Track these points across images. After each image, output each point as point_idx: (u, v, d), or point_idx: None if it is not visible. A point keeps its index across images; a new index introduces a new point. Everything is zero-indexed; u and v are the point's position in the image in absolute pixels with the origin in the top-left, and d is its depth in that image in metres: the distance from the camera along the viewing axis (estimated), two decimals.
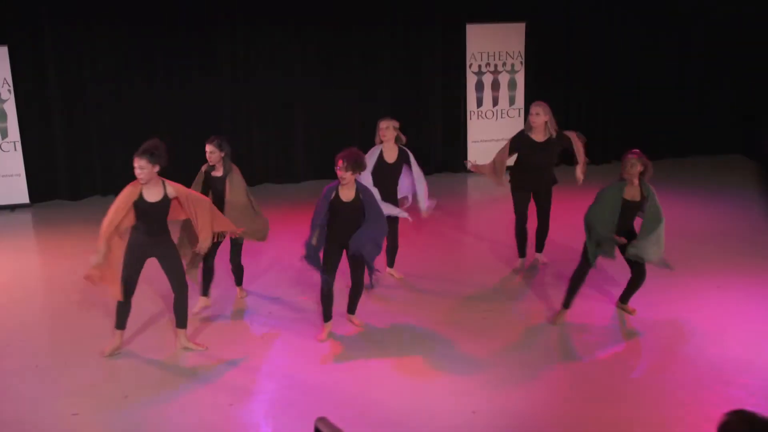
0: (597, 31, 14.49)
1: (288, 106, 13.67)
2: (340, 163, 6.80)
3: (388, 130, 8.20)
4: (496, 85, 14.27)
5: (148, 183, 6.57)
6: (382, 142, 8.25)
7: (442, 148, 14.46)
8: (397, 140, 8.27)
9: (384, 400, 6.13)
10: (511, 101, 14.29)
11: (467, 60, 14.10)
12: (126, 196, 6.61)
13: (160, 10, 12.90)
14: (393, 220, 8.21)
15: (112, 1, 12.68)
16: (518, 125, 14.22)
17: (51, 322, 8.08)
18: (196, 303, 7.89)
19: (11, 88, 12.41)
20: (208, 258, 7.69)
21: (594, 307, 7.79)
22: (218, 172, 7.68)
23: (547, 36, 14.25)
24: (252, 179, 13.48)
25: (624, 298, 7.63)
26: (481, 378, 6.43)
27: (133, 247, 6.76)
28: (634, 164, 7.01)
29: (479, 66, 14.16)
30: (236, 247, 7.93)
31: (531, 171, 8.57)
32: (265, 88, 13.53)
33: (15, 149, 12.55)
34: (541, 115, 8.50)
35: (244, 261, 8.16)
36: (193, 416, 5.96)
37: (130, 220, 6.71)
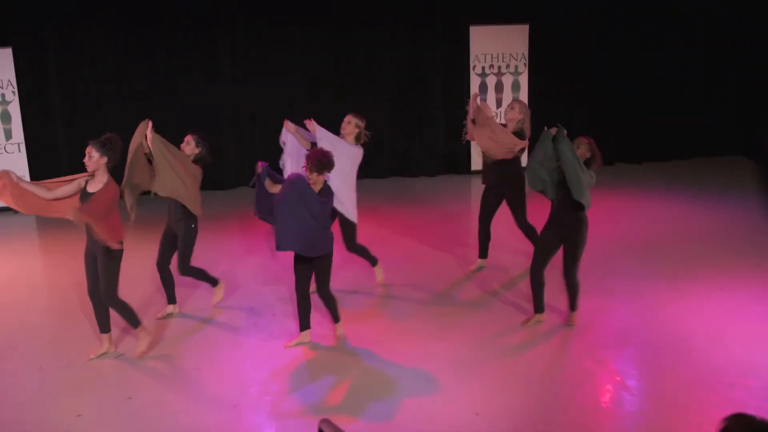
0: (600, 33, 14.51)
1: (289, 106, 13.65)
2: (305, 164, 6.75)
3: (349, 124, 8.09)
4: (499, 87, 14.28)
5: (97, 175, 6.56)
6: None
7: (444, 150, 14.45)
8: (357, 138, 8.11)
9: (386, 402, 6.13)
10: None
11: (471, 62, 14.11)
12: (76, 180, 6.75)
13: (161, 10, 12.95)
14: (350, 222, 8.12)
15: (114, 2, 12.73)
16: None
17: (54, 323, 8.09)
18: (164, 309, 8.00)
19: (15, 90, 12.46)
20: (163, 266, 7.76)
21: (596, 308, 7.77)
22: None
23: (551, 37, 14.26)
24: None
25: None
26: (483, 379, 6.43)
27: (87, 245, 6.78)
28: (579, 146, 7.00)
29: (483, 68, 14.16)
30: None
31: (492, 164, 8.48)
32: (265, 88, 13.56)
33: (19, 150, 12.59)
34: (515, 110, 8.39)
35: (254, 262, 8.17)
36: (196, 418, 5.95)
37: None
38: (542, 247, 7.28)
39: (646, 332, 7.24)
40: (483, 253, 9.01)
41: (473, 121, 8.47)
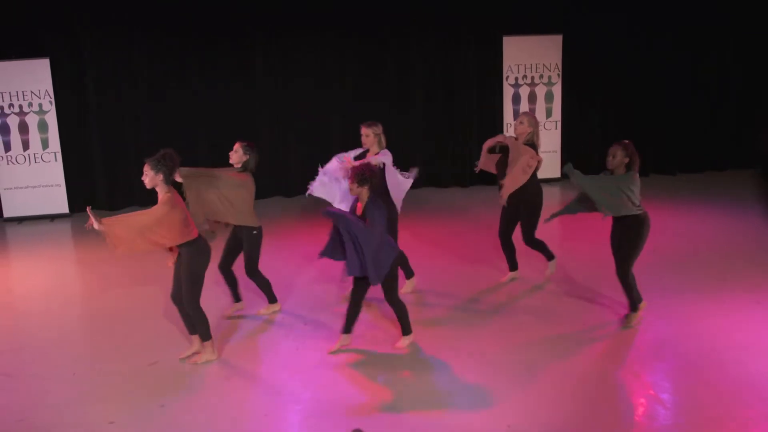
0: (634, 43, 14.41)
1: (324, 118, 13.74)
2: (349, 180, 6.87)
3: (367, 137, 8.20)
4: (533, 98, 14.22)
5: (159, 191, 6.56)
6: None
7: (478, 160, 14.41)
8: (380, 144, 8.20)
9: (418, 412, 6.10)
10: (548, 113, 14.23)
11: (504, 72, 14.07)
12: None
13: (198, 21, 13.06)
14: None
15: (151, 13, 12.88)
16: (556, 138, 14.23)
17: (89, 330, 8.16)
18: (230, 306, 8.22)
19: (52, 100, 12.62)
20: (226, 268, 7.96)
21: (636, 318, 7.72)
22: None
23: (584, 48, 14.19)
24: (290, 190, 13.58)
25: None
26: (516, 391, 6.38)
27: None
28: (615, 155, 7.22)
29: (516, 78, 14.12)
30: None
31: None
32: (300, 100, 13.62)
33: (55, 160, 12.75)
34: (525, 124, 8.42)
35: (271, 272, 8.22)
36: (227, 426, 5.97)
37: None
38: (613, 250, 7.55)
39: (680, 345, 7.15)
40: (513, 265, 9.02)
41: (489, 151, 8.70)
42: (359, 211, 6.88)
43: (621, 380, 6.55)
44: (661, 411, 6.08)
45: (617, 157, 7.18)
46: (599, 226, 7.68)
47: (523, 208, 8.51)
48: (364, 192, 6.79)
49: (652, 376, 6.63)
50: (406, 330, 7.27)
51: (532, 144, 8.40)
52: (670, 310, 7.95)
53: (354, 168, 6.85)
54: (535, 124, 8.45)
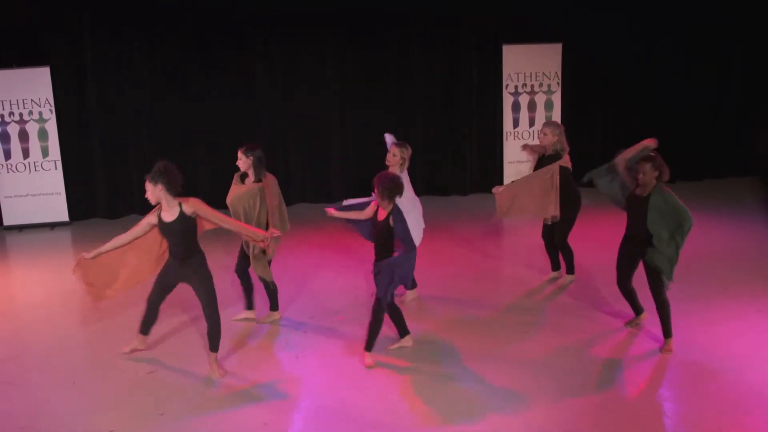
0: (634, 52, 14.43)
1: (324, 124, 13.75)
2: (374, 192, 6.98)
3: (394, 156, 8.16)
4: (532, 106, 14.23)
5: (163, 204, 6.64)
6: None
7: (478, 169, 14.45)
8: (402, 166, 8.20)
9: (420, 419, 6.10)
10: None
11: (503, 80, 14.09)
12: (147, 217, 6.83)
13: (198, 28, 13.07)
14: None
15: (151, 21, 12.89)
16: None
17: (88, 338, 8.15)
18: (239, 313, 8.28)
19: (52, 108, 12.63)
20: (242, 272, 7.99)
21: (632, 330, 7.70)
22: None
23: (584, 56, 14.20)
24: (288, 198, 13.56)
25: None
26: (516, 394, 6.38)
27: (165, 268, 6.95)
28: (645, 171, 7.14)
29: (515, 86, 14.14)
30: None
31: None
32: (300, 106, 13.64)
33: (55, 168, 12.74)
34: (549, 135, 8.50)
35: (288, 278, 8.25)
36: None
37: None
38: None
39: (682, 354, 7.15)
40: (556, 265, 9.20)
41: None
42: (379, 217, 6.98)
43: (623, 388, 6.55)
44: (663, 420, 6.08)
45: (647, 174, 7.04)
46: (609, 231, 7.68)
47: (561, 211, 8.60)
48: (385, 203, 6.90)
49: (653, 385, 6.63)
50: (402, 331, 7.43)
51: (558, 152, 8.53)
52: (672, 318, 7.94)
53: (381, 181, 6.87)
54: (558, 130, 8.55)
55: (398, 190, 6.86)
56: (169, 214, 6.63)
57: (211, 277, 6.85)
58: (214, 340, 6.94)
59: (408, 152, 8.16)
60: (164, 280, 6.98)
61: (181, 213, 6.61)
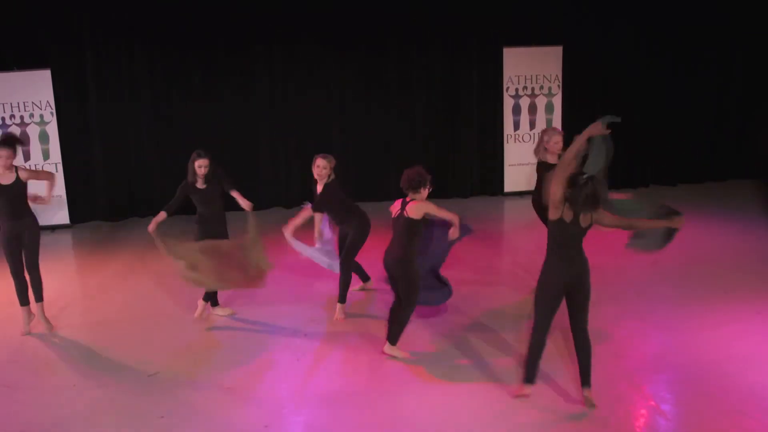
0: (634, 55, 14.45)
1: (326, 127, 13.76)
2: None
3: (318, 167, 8.19)
4: (533, 109, 14.25)
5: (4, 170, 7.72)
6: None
7: (479, 171, 14.45)
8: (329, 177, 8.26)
9: (421, 422, 6.10)
10: (548, 125, 14.23)
11: (504, 83, 14.10)
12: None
13: (200, 32, 13.09)
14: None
15: (152, 24, 12.91)
16: None
17: (89, 342, 8.14)
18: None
19: (53, 111, 12.64)
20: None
21: (632, 332, 7.70)
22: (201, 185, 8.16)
23: (585, 59, 14.22)
24: (290, 202, 13.57)
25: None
26: (515, 398, 6.38)
27: (4, 232, 7.81)
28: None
29: (516, 89, 14.15)
30: None
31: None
32: (302, 109, 13.65)
33: (56, 170, 12.75)
34: (560, 142, 8.47)
35: (271, 283, 8.25)
36: None
37: None
38: None
39: (681, 356, 7.14)
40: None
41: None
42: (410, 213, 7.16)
43: (623, 392, 6.54)
44: (662, 422, 6.07)
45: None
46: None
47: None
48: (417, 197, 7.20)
49: (653, 387, 6.62)
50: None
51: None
52: (671, 321, 7.95)
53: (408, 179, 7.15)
54: (557, 135, 8.57)
55: (423, 180, 7.18)
56: (7, 179, 7.79)
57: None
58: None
59: (332, 163, 8.19)
60: (6, 239, 7.88)
61: (18, 178, 7.92)
